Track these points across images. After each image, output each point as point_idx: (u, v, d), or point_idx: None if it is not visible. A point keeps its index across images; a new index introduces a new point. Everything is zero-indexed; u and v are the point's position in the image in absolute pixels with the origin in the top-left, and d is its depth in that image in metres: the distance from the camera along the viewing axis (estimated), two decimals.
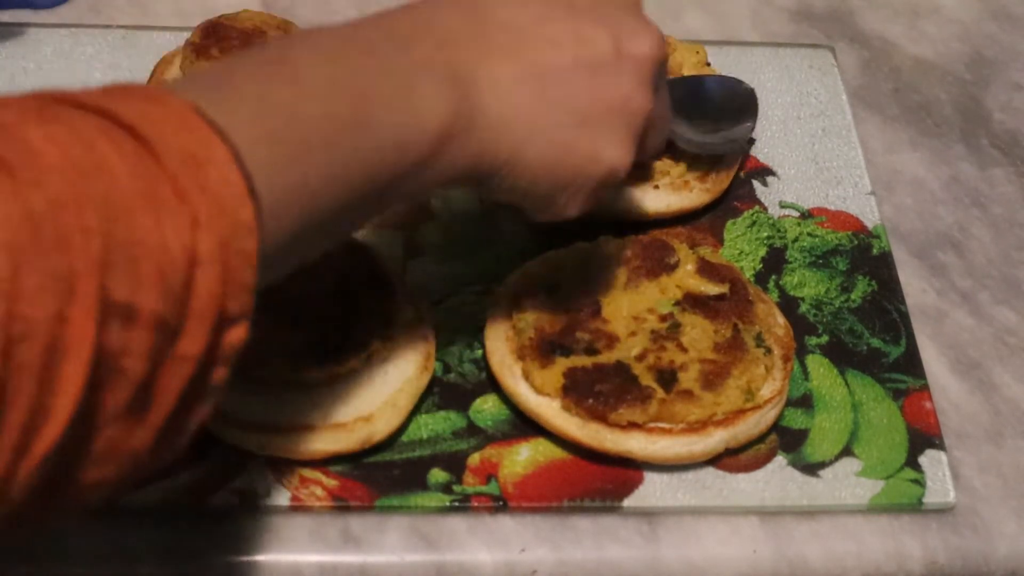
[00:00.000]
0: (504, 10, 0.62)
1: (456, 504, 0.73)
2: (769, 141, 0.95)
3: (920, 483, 0.77)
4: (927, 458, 0.78)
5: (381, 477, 0.74)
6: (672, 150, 0.85)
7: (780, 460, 0.77)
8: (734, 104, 0.88)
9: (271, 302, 0.74)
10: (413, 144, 0.57)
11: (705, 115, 0.86)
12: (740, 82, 0.89)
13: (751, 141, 0.94)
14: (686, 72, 0.90)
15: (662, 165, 0.85)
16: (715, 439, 0.75)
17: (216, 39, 0.88)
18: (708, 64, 0.91)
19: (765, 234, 0.89)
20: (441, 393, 0.78)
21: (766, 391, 0.76)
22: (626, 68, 0.63)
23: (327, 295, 0.75)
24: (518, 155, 0.61)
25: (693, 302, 0.79)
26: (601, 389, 0.74)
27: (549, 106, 0.61)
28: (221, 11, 0.98)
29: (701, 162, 0.86)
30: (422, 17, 0.61)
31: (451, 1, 0.62)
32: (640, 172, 0.85)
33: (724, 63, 0.97)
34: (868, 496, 0.76)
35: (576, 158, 0.63)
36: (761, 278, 0.86)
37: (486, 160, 0.61)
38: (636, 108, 0.64)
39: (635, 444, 0.74)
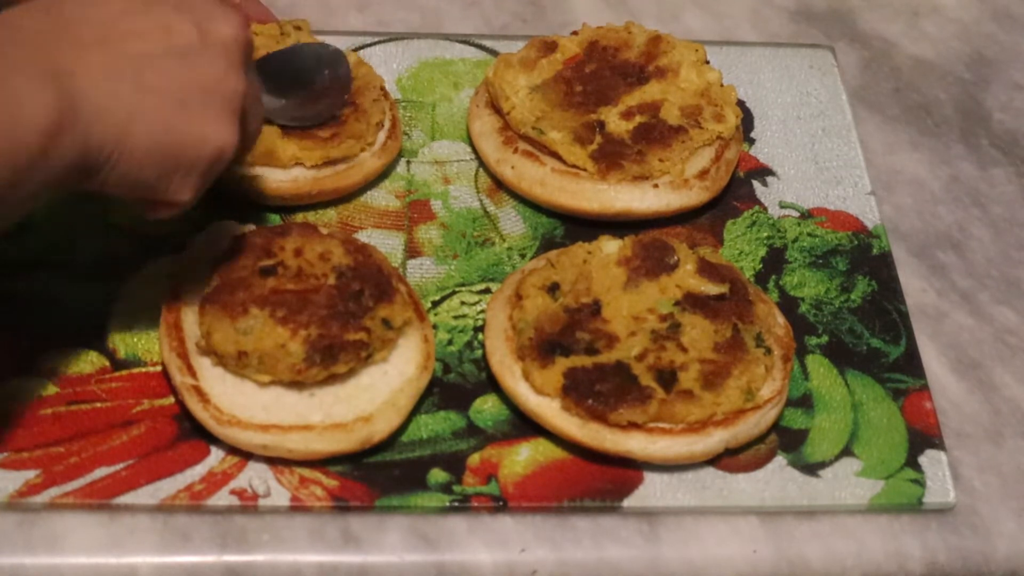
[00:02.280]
0: (86, 9, 0.64)
1: (456, 504, 0.73)
2: (769, 141, 0.95)
3: (920, 483, 0.77)
4: (927, 458, 0.78)
5: (381, 477, 0.74)
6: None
7: (780, 460, 0.77)
8: (323, 68, 0.87)
9: (272, 303, 0.75)
10: (22, 145, 0.59)
11: (299, 85, 0.86)
12: (326, 46, 0.89)
13: (752, 141, 0.94)
14: (684, 71, 0.90)
15: (661, 165, 0.85)
16: (715, 439, 0.75)
17: None
18: (707, 63, 0.91)
19: (765, 234, 0.89)
20: (441, 393, 0.78)
21: (766, 391, 0.76)
22: (214, 51, 0.66)
23: (327, 295, 0.75)
24: (123, 142, 0.63)
25: (693, 302, 0.79)
26: (601, 389, 0.74)
27: (146, 92, 0.63)
28: None
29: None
30: (10, 25, 0.63)
31: (36, 7, 0.64)
32: (640, 170, 0.85)
33: (724, 63, 0.97)
34: (868, 496, 0.76)
35: (180, 139, 0.65)
36: (761, 278, 0.86)
37: (93, 151, 0.62)
38: (231, 88, 0.66)
39: (635, 444, 0.74)
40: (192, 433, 0.74)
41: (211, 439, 0.74)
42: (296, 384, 0.73)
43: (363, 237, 0.84)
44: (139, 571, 0.70)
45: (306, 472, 0.74)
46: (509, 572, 0.72)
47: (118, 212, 0.83)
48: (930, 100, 1.01)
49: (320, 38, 0.91)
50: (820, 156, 0.94)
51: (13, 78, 0.60)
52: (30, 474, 0.72)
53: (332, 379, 0.73)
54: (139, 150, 0.63)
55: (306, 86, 0.86)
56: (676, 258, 0.80)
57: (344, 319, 0.74)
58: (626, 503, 0.74)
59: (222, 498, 0.72)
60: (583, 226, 0.87)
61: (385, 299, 0.76)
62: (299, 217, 0.85)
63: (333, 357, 0.73)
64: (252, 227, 0.81)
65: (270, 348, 0.72)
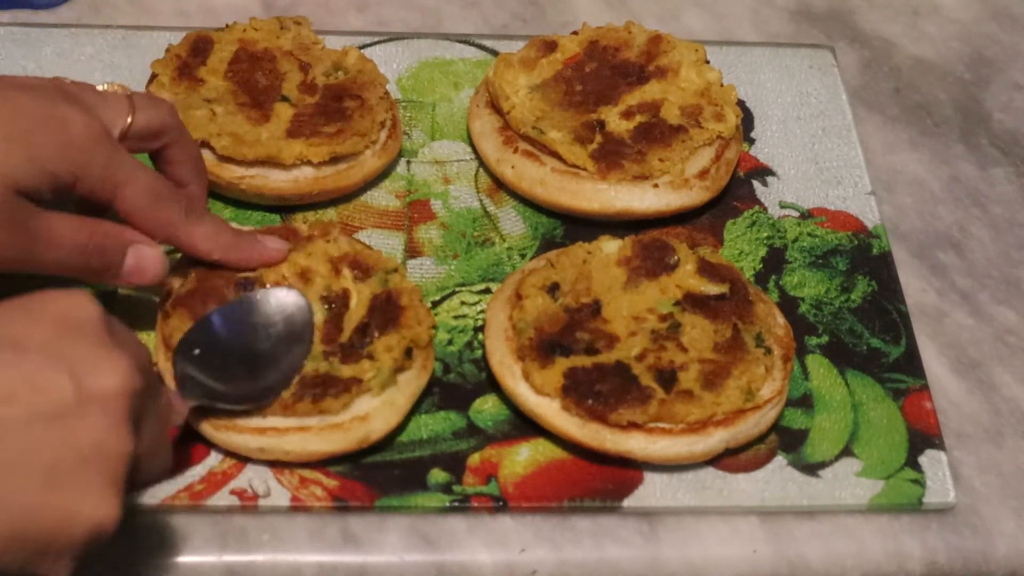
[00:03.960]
0: None
1: (456, 504, 0.73)
2: (769, 141, 0.95)
3: (920, 483, 0.77)
4: (927, 458, 0.78)
5: (381, 477, 0.74)
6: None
7: (780, 460, 0.77)
8: (283, 321, 0.75)
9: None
10: None
11: (251, 348, 0.73)
12: (288, 292, 0.76)
13: (752, 141, 0.94)
14: (684, 71, 0.90)
15: (661, 165, 0.85)
16: (715, 439, 0.75)
17: (203, 57, 0.88)
18: (707, 62, 0.91)
19: (765, 234, 0.89)
20: (441, 393, 0.78)
21: (766, 391, 0.76)
22: (93, 411, 0.55)
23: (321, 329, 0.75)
24: None
25: (693, 302, 0.79)
26: (601, 389, 0.74)
27: (4, 470, 0.54)
28: (221, 11, 0.99)
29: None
30: None
31: None
32: (640, 170, 0.85)
33: (724, 63, 0.97)
34: (868, 496, 0.76)
35: (47, 523, 0.54)
36: (761, 278, 0.86)
37: None
38: (112, 453, 0.56)
39: (635, 444, 0.74)
40: (192, 433, 0.74)
41: (211, 440, 0.73)
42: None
43: (363, 237, 0.84)
44: (140, 571, 0.70)
45: (306, 472, 0.74)
46: (509, 572, 0.72)
47: None
48: (930, 100, 1.01)
49: (320, 38, 0.91)
50: (820, 156, 0.94)
51: None
52: None
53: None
54: None
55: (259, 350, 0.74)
56: (676, 258, 0.80)
57: (337, 352, 0.74)
58: (626, 503, 0.74)
59: (222, 498, 0.72)
60: (583, 226, 0.87)
61: (393, 325, 0.75)
62: (299, 217, 0.85)
63: (323, 394, 0.72)
64: (250, 229, 0.81)
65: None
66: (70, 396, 0.55)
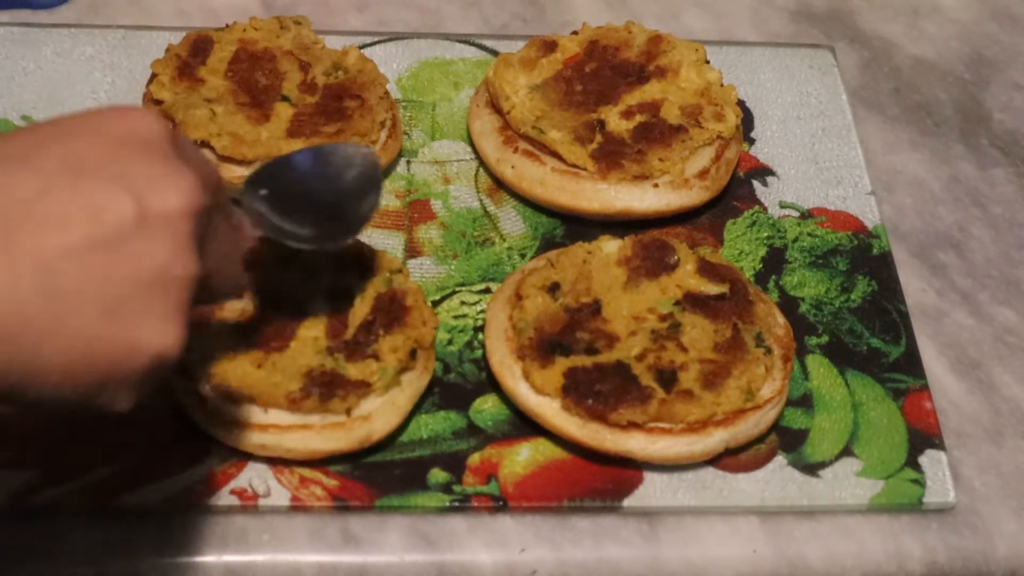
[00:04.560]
0: None
1: (456, 504, 0.73)
2: (769, 141, 0.95)
3: (920, 483, 0.77)
4: (927, 458, 0.78)
5: (381, 477, 0.74)
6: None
7: (780, 460, 0.77)
8: (352, 175, 0.72)
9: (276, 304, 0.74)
10: None
11: (317, 196, 0.71)
12: (357, 147, 0.74)
13: (752, 141, 0.94)
14: (684, 71, 0.90)
15: (661, 165, 0.85)
16: (715, 439, 0.75)
17: (203, 56, 0.88)
18: (707, 62, 0.91)
19: (765, 234, 0.89)
20: (441, 393, 0.78)
21: (766, 391, 0.76)
22: (156, 232, 0.53)
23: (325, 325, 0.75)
24: (31, 365, 0.51)
25: (693, 302, 0.79)
26: (601, 389, 0.74)
27: (62, 301, 0.51)
28: (221, 11, 0.99)
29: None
30: None
31: None
32: (640, 170, 0.85)
33: (724, 63, 0.98)
34: (868, 496, 0.76)
35: (107, 353, 0.52)
36: (761, 278, 0.86)
37: (2, 379, 0.51)
38: (176, 277, 0.54)
39: (635, 444, 0.74)
40: (192, 433, 0.74)
41: (211, 439, 0.74)
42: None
43: (363, 237, 0.84)
44: (139, 571, 0.70)
45: (306, 472, 0.74)
46: (509, 572, 0.72)
47: None
48: (930, 100, 1.01)
49: (320, 37, 0.91)
50: (820, 156, 0.94)
51: None
52: (30, 474, 0.72)
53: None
54: (54, 372, 0.52)
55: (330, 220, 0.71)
56: (676, 258, 0.80)
57: (342, 348, 0.74)
58: (626, 503, 0.74)
59: (222, 498, 0.72)
60: (583, 226, 0.87)
61: (397, 325, 0.75)
62: None
63: (330, 395, 0.72)
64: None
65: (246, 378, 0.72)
66: (131, 218, 0.52)
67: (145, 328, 0.53)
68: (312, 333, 0.74)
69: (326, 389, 0.72)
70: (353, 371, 0.73)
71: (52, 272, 0.51)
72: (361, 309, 0.75)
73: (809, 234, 0.89)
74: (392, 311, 0.75)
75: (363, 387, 0.72)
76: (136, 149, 0.54)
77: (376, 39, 0.97)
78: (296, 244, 0.67)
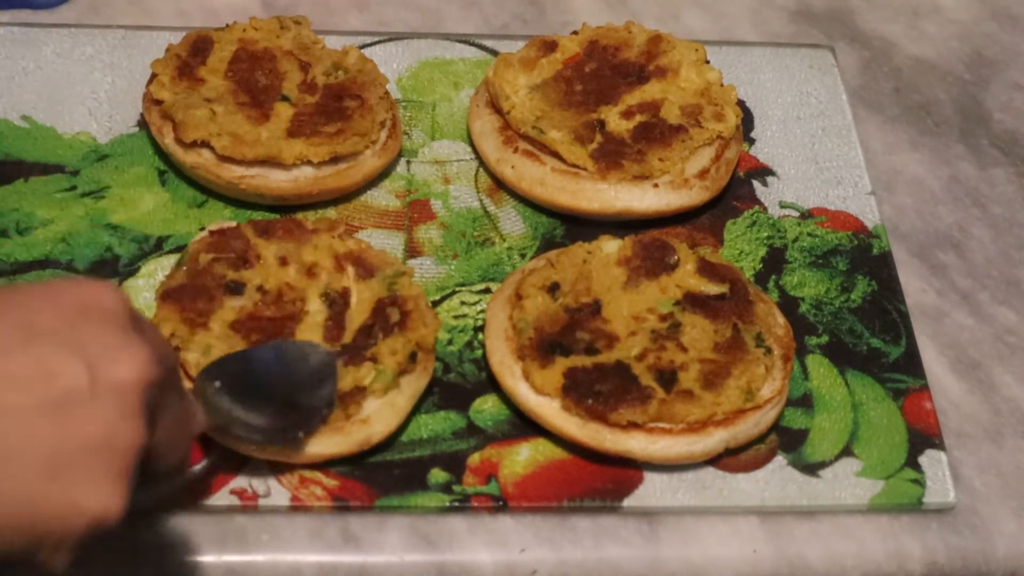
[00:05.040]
0: None
1: (456, 504, 0.73)
2: (769, 141, 0.95)
3: (920, 483, 0.77)
4: (927, 458, 0.78)
5: (381, 477, 0.74)
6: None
7: (780, 460, 0.77)
8: (307, 370, 0.72)
9: (243, 328, 0.74)
10: None
11: (271, 389, 0.71)
12: (313, 344, 0.74)
13: (752, 141, 0.94)
14: (684, 71, 0.90)
15: (661, 165, 0.85)
16: (715, 439, 0.75)
17: (203, 56, 0.88)
18: (707, 62, 0.91)
19: (765, 234, 0.89)
20: (441, 393, 0.78)
21: (766, 391, 0.76)
22: (106, 401, 0.53)
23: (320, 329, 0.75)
24: None
25: (693, 302, 0.79)
26: (601, 389, 0.74)
27: (4, 459, 0.52)
28: (221, 11, 0.98)
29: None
30: None
31: None
32: (640, 170, 0.85)
33: (724, 63, 0.97)
34: (868, 496, 0.76)
35: (46, 513, 0.53)
36: (761, 278, 0.86)
37: None
38: (122, 444, 0.54)
39: (635, 444, 0.74)
40: None
41: (211, 439, 0.73)
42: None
43: (363, 237, 0.84)
44: (139, 571, 0.70)
45: (306, 472, 0.74)
46: (509, 572, 0.72)
47: None
48: (930, 100, 1.01)
49: (320, 37, 0.91)
50: (820, 156, 0.94)
51: None
52: None
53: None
54: None
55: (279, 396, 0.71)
56: (676, 258, 0.80)
57: (340, 353, 0.73)
58: (626, 503, 0.74)
59: (222, 498, 0.72)
60: (583, 226, 0.87)
61: (398, 329, 0.75)
62: (298, 218, 0.85)
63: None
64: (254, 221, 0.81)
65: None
66: (83, 384, 0.53)
67: (86, 491, 0.53)
68: (310, 335, 0.74)
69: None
70: (348, 379, 0.72)
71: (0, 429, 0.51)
72: (360, 312, 0.75)
73: (809, 234, 0.89)
74: (393, 316, 0.75)
75: (357, 394, 0.72)
76: (92, 319, 0.55)
77: (376, 39, 0.97)
78: (247, 436, 0.69)
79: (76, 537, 0.54)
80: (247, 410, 0.68)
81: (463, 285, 0.84)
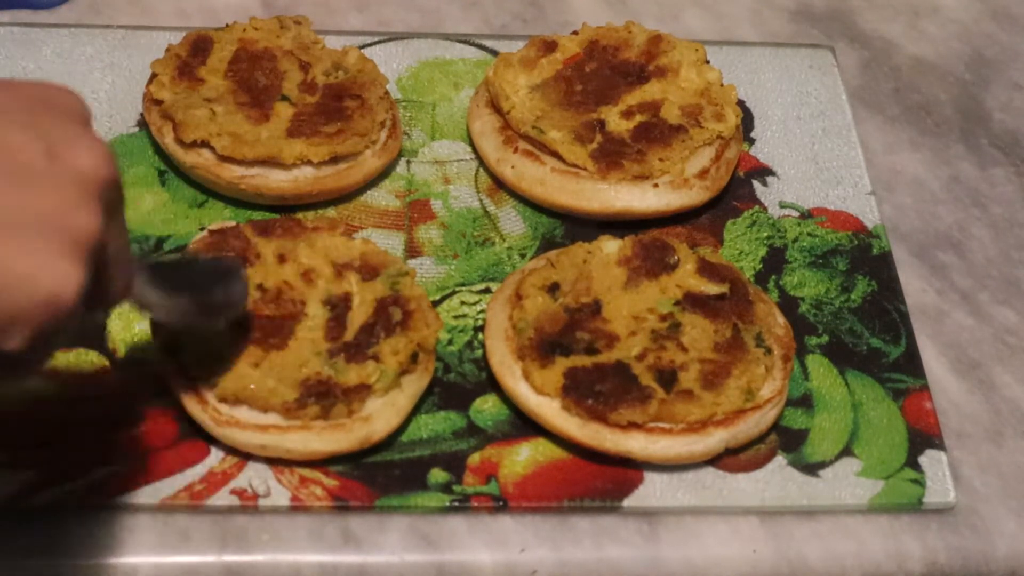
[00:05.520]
0: None
1: (456, 504, 0.73)
2: (769, 141, 0.95)
3: (920, 483, 0.77)
4: (927, 458, 0.78)
5: (381, 477, 0.74)
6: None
7: (780, 460, 0.77)
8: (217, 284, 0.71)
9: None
10: None
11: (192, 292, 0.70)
12: (221, 260, 0.76)
13: (752, 141, 0.94)
14: (684, 71, 0.90)
15: (661, 165, 0.85)
16: (715, 439, 0.75)
17: (203, 56, 0.88)
18: (707, 62, 0.91)
19: (765, 234, 0.89)
20: (441, 393, 0.78)
21: (766, 391, 0.76)
22: (62, 178, 0.53)
23: (320, 329, 0.75)
24: None
25: (693, 302, 0.79)
26: (601, 389, 0.74)
27: None
28: (221, 11, 0.98)
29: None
30: None
31: None
32: (640, 170, 0.85)
33: (724, 63, 0.97)
34: (868, 496, 0.76)
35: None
36: (761, 278, 0.86)
37: None
38: (78, 224, 0.53)
39: (635, 444, 0.74)
40: (192, 433, 0.74)
41: (211, 439, 0.74)
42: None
43: (363, 235, 0.84)
44: (139, 571, 0.70)
45: (306, 472, 0.74)
46: (509, 572, 0.72)
47: None
48: (930, 100, 1.01)
49: (320, 37, 0.91)
50: (820, 156, 0.94)
51: None
52: (30, 474, 0.72)
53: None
54: None
55: (199, 296, 0.70)
56: (676, 258, 0.80)
57: (341, 351, 0.74)
58: (626, 503, 0.74)
59: (222, 498, 0.72)
60: (583, 226, 0.87)
61: (399, 328, 0.75)
62: (298, 216, 0.85)
63: (331, 405, 0.72)
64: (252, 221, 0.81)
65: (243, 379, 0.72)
66: (41, 162, 0.53)
67: (41, 261, 0.51)
68: (311, 334, 0.74)
69: (328, 401, 0.71)
70: (351, 375, 0.72)
71: None
72: (362, 311, 0.75)
73: (809, 234, 0.89)
74: (395, 315, 0.75)
75: (362, 391, 0.72)
76: (53, 111, 0.55)
77: (376, 39, 0.97)
78: (166, 316, 0.68)
79: (31, 314, 0.52)
80: (169, 296, 0.66)
81: (463, 285, 0.84)
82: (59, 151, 0.53)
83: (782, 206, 0.91)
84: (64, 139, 0.54)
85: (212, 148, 0.83)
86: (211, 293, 0.70)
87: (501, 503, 0.74)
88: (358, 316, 0.75)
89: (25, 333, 0.52)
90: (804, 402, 0.80)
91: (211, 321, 0.71)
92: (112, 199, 0.55)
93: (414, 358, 0.74)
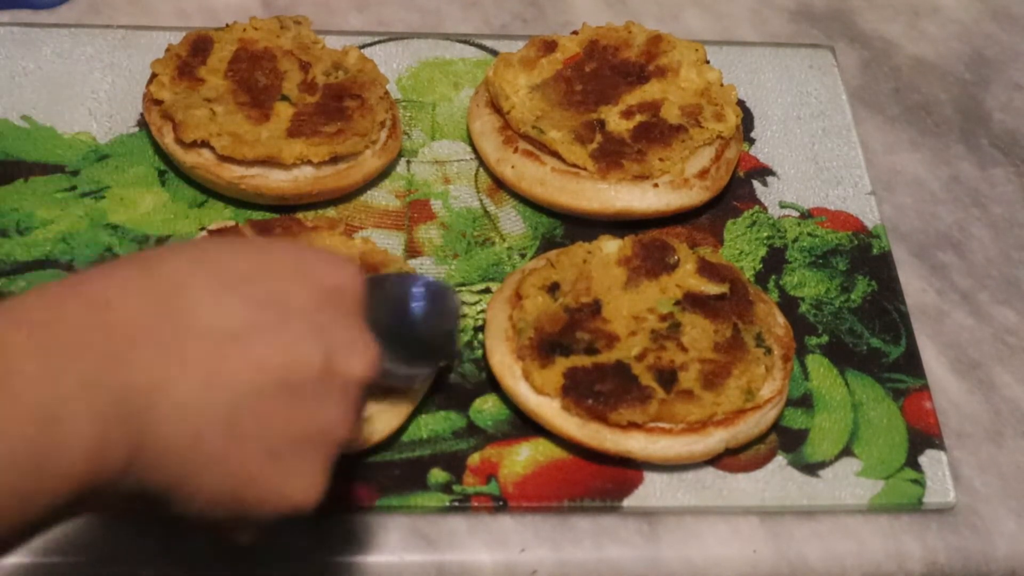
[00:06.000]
0: (206, 310, 0.52)
1: (456, 504, 0.73)
2: (769, 141, 0.95)
3: (920, 483, 0.77)
4: (927, 458, 0.78)
5: (381, 477, 0.74)
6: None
7: (780, 460, 0.77)
8: (437, 312, 0.71)
9: None
10: (48, 486, 0.48)
11: (406, 329, 0.70)
12: (440, 285, 0.73)
13: (752, 141, 0.94)
14: (684, 71, 0.90)
15: (661, 164, 0.85)
16: (715, 439, 0.75)
17: (203, 56, 0.88)
18: (707, 62, 0.91)
19: (765, 234, 0.89)
20: (441, 393, 0.78)
21: (766, 391, 0.76)
22: (333, 393, 0.54)
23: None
24: (189, 483, 0.51)
25: (693, 302, 0.79)
26: (601, 389, 0.74)
27: (239, 435, 0.52)
28: (221, 11, 0.99)
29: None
30: (98, 307, 0.50)
31: (143, 286, 0.52)
32: (640, 170, 0.85)
33: (724, 63, 0.97)
34: (868, 496, 0.76)
35: (258, 493, 0.53)
36: (761, 278, 0.86)
37: (150, 489, 0.51)
38: (336, 437, 0.55)
39: (635, 444, 0.74)
40: None
41: None
42: None
43: (364, 235, 0.84)
44: (140, 571, 0.70)
45: None
46: (509, 572, 0.72)
47: None
48: (930, 100, 1.01)
49: (320, 37, 0.91)
50: (820, 156, 0.94)
51: (67, 407, 0.47)
52: None
53: None
54: (203, 497, 0.52)
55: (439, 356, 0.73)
56: (676, 258, 0.81)
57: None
58: (626, 503, 0.74)
59: None
60: (583, 226, 0.87)
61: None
62: (298, 216, 0.85)
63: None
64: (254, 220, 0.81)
65: None
66: (317, 372, 0.53)
67: (295, 478, 0.54)
68: None
69: None
70: None
71: (238, 409, 0.51)
72: None
73: (809, 234, 0.89)
74: None
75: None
76: (336, 304, 0.55)
77: (376, 39, 0.97)
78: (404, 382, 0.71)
79: (272, 519, 0.54)
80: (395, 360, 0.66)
81: (463, 285, 0.84)
82: (336, 360, 0.54)
83: (782, 206, 0.91)
84: (342, 346, 0.54)
85: (212, 148, 0.83)
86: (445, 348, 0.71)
87: (501, 503, 0.74)
88: None
89: (258, 532, 0.56)
90: (804, 402, 0.80)
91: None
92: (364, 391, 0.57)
93: None
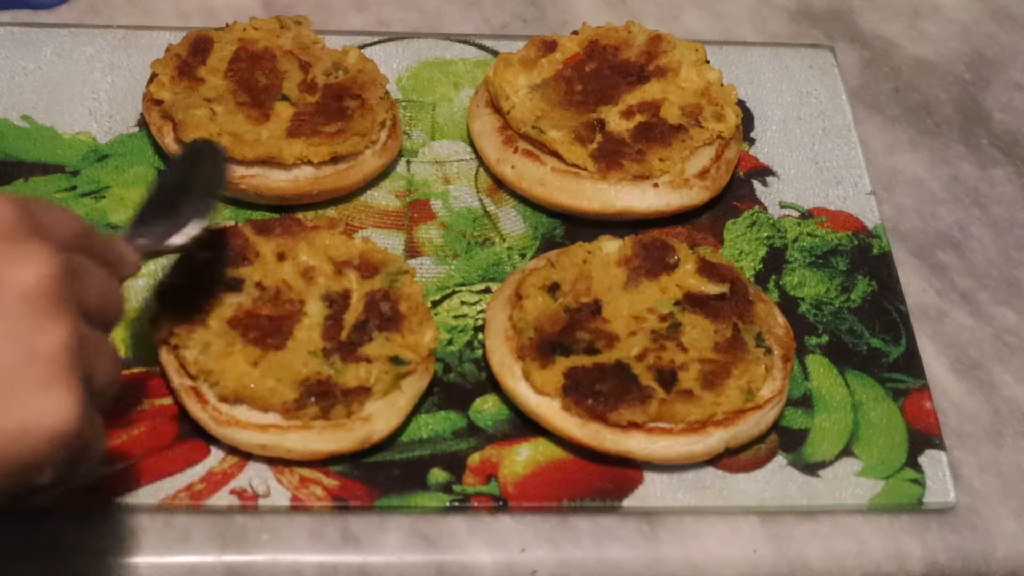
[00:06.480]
0: None
1: (456, 504, 0.73)
2: (769, 141, 0.95)
3: (920, 483, 0.77)
4: (927, 458, 0.78)
5: (381, 477, 0.74)
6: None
7: (780, 460, 0.77)
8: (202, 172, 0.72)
9: (242, 325, 0.74)
10: None
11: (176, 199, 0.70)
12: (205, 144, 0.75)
13: (752, 141, 0.94)
14: (685, 70, 0.90)
15: (662, 164, 0.85)
16: (715, 439, 0.75)
17: (203, 56, 0.88)
18: (707, 62, 0.91)
19: (765, 234, 0.89)
20: (441, 393, 0.78)
21: (766, 391, 0.76)
22: (14, 308, 0.51)
23: (319, 328, 0.75)
24: None
25: (693, 302, 0.79)
26: (601, 389, 0.74)
27: None
28: (221, 11, 0.98)
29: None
30: None
31: None
32: (640, 170, 0.85)
33: (724, 63, 0.97)
34: (868, 496, 0.76)
35: (4, 439, 0.50)
36: (761, 278, 0.86)
37: None
38: (49, 345, 0.51)
39: (635, 444, 0.74)
40: (192, 433, 0.74)
41: (211, 439, 0.74)
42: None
43: (364, 235, 0.84)
44: (139, 571, 0.70)
45: (306, 472, 0.74)
46: (509, 572, 0.72)
47: None
48: (930, 100, 1.01)
49: (320, 37, 0.91)
50: (820, 156, 0.94)
51: None
52: None
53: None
54: None
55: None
56: (676, 258, 0.81)
57: (337, 350, 0.74)
58: (626, 503, 0.74)
59: (222, 498, 0.72)
60: (583, 226, 0.87)
61: (392, 327, 0.75)
62: (298, 216, 0.85)
63: (331, 405, 0.72)
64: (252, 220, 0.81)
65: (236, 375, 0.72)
66: None
67: (32, 406, 0.51)
68: (309, 333, 0.74)
69: (328, 402, 0.71)
70: (349, 376, 0.72)
71: None
72: (357, 308, 0.75)
73: (809, 234, 0.89)
74: (384, 310, 0.75)
75: (361, 393, 0.72)
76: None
77: (376, 39, 0.97)
78: (174, 242, 0.67)
79: (44, 454, 0.52)
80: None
81: (463, 285, 0.84)
82: (3, 278, 0.51)
83: (782, 206, 0.91)
84: (3, 261, 0.52)
85: None
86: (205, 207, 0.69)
87: (501, 503, 0.74)
88: (353, 313, 0.75)
89: (51, 469, 0.53)
90: (804, 402, 0.80)
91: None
92: (69, 292, 0.53)
93: (396, 361, 0.73)
